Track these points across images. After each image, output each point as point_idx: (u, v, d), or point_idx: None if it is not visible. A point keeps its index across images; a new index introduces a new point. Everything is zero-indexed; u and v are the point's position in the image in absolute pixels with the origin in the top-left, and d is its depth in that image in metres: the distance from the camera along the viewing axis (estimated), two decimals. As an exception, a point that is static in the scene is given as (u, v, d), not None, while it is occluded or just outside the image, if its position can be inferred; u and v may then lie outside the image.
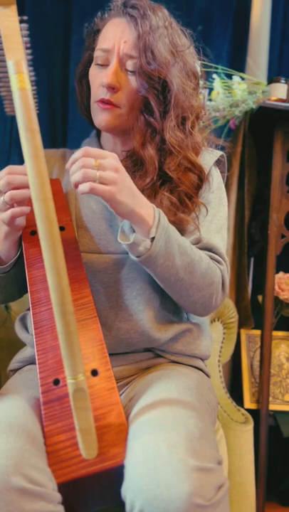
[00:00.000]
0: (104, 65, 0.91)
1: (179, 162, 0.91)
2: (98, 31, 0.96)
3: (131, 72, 0.90)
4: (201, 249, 0.91)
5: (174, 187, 0.91)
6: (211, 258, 0.91)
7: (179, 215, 0.90)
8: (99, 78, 0.91)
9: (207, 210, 0.94)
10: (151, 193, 0.90)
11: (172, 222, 0.86)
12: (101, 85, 0.90)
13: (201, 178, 0.94)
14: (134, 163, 0.93)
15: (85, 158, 0.73)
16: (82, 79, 1.02)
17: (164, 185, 0.91)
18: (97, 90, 0.92)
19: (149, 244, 0.79)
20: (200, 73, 1.00)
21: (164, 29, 0.89)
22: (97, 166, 0.73)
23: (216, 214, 0.96)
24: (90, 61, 0.97)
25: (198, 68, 0.99)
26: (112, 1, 0.95)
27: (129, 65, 0.89)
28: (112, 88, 0.89)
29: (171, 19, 0.93)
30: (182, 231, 0.92)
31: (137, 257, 0.81)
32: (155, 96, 0.89)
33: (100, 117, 0.93)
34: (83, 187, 0.72)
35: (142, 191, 0.87)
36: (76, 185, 0.74)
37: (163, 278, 0.85)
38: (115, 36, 0.89)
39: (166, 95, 0.90)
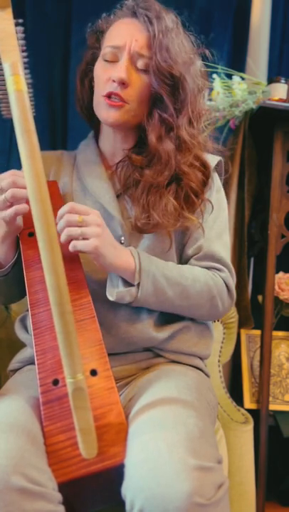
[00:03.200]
0: (112, 61, 0.92)
1: (191, 159, 0.93)
2: (102, 32, 0.97)
3: (141, 70, 0.91)
4: (201, 258, 0.94)
5: (181, 186, 0.93)
6: (211, 267, 0.93)
7: (184, 215, 0.91)
8: (108, 73, 0.92)
9: (212, 206, 0.96)
10: (156, 195, 0.91)
11: (178, 224, 0.90)
12: (110, 80, 0.91)
13: (206, 175, 0.96)
14: (150, 159, 0.94)
15: (70, 214, 0.78)
16: (84, 78, 1.02)
17: (170, 186, 0.92)
18: (105, 85, 0.92)
19: (134, 292, 0.84)
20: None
21: (177, 31, 0.92)
22: (81, 222, 0.78)
23: (216, 219, 0.98)
24: (93, 60, 0.98)
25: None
26: (123, 2, 0.97)
27: (140, 63, 0.90)
28: (123, 83, 0.90)
29: (179, 24, 0.95)
30: (186, 231, 0.95)
31: (129, 303, 0.85)
32: (169, 93, 0.91)
33: (107, 113, 0.93)
34: (70, 247, 0.78)
35: (153, 187, 0.91)
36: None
37: (161, 309, 0.90)
38: (128, 34, 0.91)
39: (179, 93, 0.91)
